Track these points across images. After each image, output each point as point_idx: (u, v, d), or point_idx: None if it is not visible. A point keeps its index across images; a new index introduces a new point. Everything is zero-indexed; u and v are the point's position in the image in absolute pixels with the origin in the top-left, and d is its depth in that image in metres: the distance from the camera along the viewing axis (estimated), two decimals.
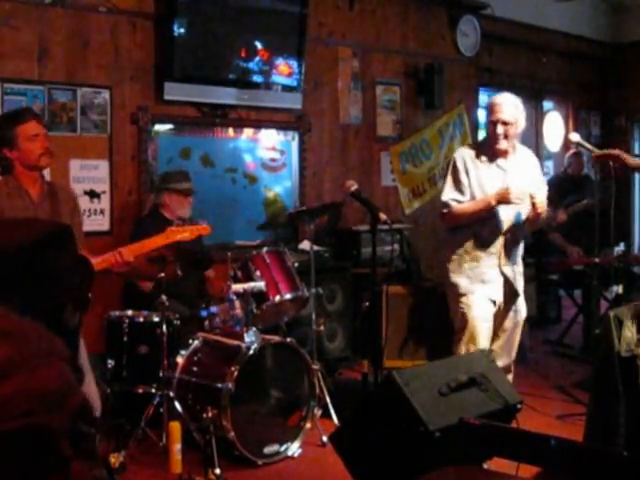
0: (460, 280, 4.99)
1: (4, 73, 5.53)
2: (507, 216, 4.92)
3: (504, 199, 4.74)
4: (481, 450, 3.40)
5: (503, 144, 4.89)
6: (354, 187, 4.58)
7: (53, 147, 4.48)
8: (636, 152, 11.17)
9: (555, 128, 10.45)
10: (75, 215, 4.43)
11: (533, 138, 10.02)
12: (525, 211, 4.92)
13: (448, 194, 4.98)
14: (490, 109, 4.97)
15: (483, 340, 4.90)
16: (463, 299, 4.97)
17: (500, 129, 4.84)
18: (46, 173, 4.73)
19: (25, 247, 1.61)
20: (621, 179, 5.75)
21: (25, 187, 4.25)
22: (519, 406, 3.60)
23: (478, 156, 4.98)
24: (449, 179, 5.03)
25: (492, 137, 4.94)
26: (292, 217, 6.07)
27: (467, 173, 4.94)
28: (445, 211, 5.01)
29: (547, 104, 10.46)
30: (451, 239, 5.09)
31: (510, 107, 4.91)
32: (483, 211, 4.87)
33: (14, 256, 1.58)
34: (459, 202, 4.93)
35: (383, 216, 4.44)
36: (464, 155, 5.01)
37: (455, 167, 4.99)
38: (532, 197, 4.75)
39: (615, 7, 10.84)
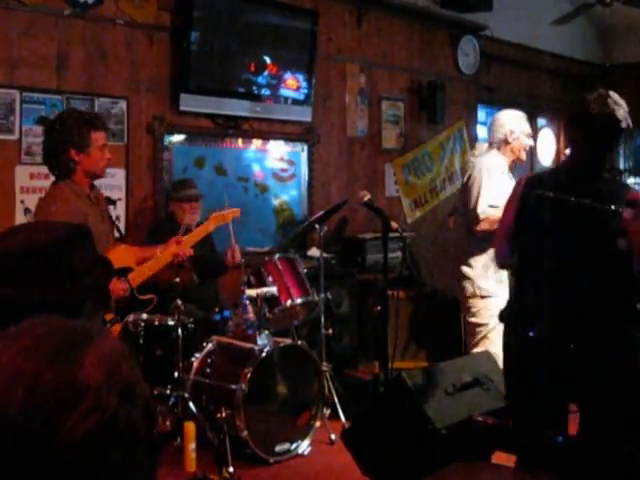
0: (486, 283, 4.92)
1: (23, 82, 5.40)
2: None
3: None
4: (485, 446, 3.40)
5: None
6: (367, 197, 4.52)
7: None
8: (621, 167, 11.11)
9: (548, 143, 10.52)
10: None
11: (528, 153, 9.99)
12: None
13: (486, 202, 4.83)
14: (521, 126, 5.10)
15: None
16: (488, 301, 4.90)
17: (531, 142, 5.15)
18: None
19: (55, 243, 1.60)
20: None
21: (87, 192, 3.99)
22: None
23: (501, 167, 5.03)
24: (484, 187, 4.88)
25: (522, 151, 5.10)
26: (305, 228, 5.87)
27: (497, 181, 4.91)
28: (482, 217, 4.81)
29: (541, 121, 10.45)
30: (477, 246, 4.96)
31: None
32: None
33: (46, 251, 1.57)
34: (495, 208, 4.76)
35: (394, 224, 4.40)
36: (494, 164, 5.01)
37: (490, 176, 4.92)
38: None
39: (604, 31, 10.93)
